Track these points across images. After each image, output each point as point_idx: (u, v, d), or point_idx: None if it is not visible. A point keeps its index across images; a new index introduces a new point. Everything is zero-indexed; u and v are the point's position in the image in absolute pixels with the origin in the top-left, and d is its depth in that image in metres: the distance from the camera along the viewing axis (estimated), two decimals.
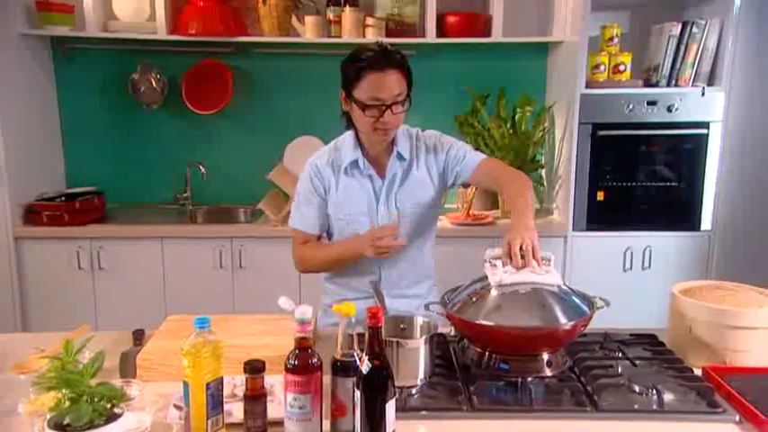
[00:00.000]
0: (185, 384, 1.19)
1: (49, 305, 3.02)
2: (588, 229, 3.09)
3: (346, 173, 1.90)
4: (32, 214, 3.03)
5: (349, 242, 1.90)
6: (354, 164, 1.89)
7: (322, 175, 1.93)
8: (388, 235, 1.74)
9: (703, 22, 2.95)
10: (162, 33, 3.07)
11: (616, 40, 3.07)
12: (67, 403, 1.06)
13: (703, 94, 2.98)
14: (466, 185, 2.20)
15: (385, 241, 1.74)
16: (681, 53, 2.98)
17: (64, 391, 1.08)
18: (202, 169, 3.35)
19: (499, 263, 1.55)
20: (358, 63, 1.73)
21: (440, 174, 1.93)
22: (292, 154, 3.34)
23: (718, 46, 2.99)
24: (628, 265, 3.10)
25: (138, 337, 1.69)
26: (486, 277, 1.54)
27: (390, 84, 1.73)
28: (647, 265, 3.09)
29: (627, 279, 3.10)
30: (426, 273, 2.01)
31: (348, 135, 1.93)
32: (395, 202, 1.90)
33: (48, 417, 1.09)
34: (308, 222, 1.97)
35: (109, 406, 1.10)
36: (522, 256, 1.52)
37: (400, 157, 1.89)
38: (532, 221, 1.63)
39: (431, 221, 1.99)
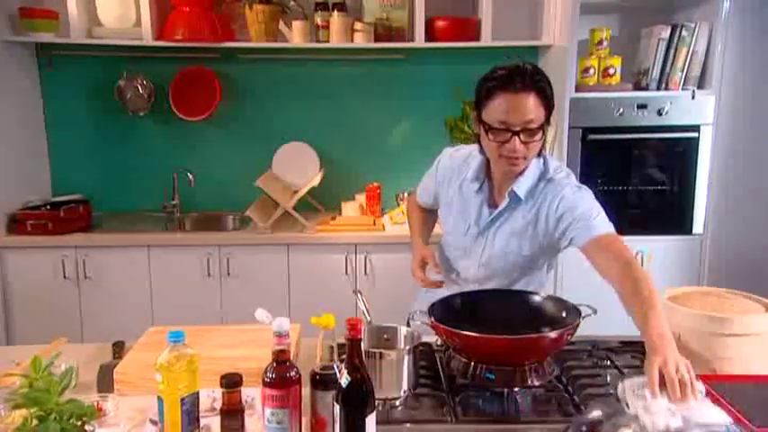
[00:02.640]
0: (160, 400, 1.16)
1: (33, 315, 2.98)
2: None
3: (462, 185, 1.80)
4: (16, 223, 2.98)
5: (414, 239, 1.96)
6: (475, 179, 1.76)
7: (443, 173, 1.86)
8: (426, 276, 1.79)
9: (692, 25, 2.94)
10: (148, 39, 3.04)
11: (605, 43, 3.05)
12: (35, 422, 1.03)
13: (693, 98, 2.97)
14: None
15: (418, 275, 1.80)
16: (670, 56, 2.97)
17: (32, 409, 1.04)
18: (190, 176, 3.32)
19: (648, 394, 1.18)
20: (490, 82, 1.59)
21: (550, 234, 1.69)
22: (280, 160, 3.32)
23: (707, 49, 2.98)
24: None
25: (118, 349, 1.65)
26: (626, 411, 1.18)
27: (521, 107, 1.54)
28: None
29: None
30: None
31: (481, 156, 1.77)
32: (486, 241, 1.77)
33: None
34: (422, 197, 2.01)
35: (79, 423, 1.07)
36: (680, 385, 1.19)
37: (515, 196, 1.70)
38: (663, 330, 1.30)
39: (523, 275, 1.80)
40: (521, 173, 1.69)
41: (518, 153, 1.59)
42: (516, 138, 1.57)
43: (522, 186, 1.69)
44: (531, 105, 1.56)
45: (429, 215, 2.05)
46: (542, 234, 1.71)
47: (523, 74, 1.56)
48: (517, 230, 1.73)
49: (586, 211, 1.63)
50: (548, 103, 1.60)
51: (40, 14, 3.02)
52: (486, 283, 1.80)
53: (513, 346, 1.43)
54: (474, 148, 1.78)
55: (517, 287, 1.80)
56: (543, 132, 1.62)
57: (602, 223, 1.62)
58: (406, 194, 2.10)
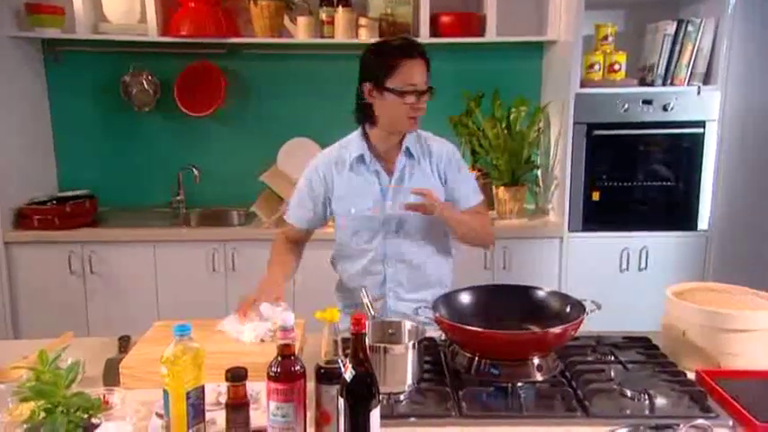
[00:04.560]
0: (165, 393, 1.16)
1: (40, 310, 2.99)
2: (584, 230, 3.06)
3: (351, 169, 1.91)
4: (23, 218, 3.00)
5: (265, 279, 1.94)
6: (360, 159, 1.90)
7: (324, 173, 1.93)
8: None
9: (698, 21, 2.93)
10: (153, 35, 3.05)
11: (611, 38, 3.04)
12: (42, 414, 1.04)
13: (699, 93, 2.96)
14: None
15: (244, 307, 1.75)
16: (676, 52, 2.96)
17: (39, 402, 1.05)
18: (195, 172, 3.33)
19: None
20: (392, 53, 1.79)
21: (444, 182, 1.95)
22: (286, 156, 3.32)
23: (713, 45, 2.96)
24: (624, 266, 3.07)
25: (124, 343, 1.66)
26: None
27: (421, 71, 1.80)
28: (643, 265, 3.07)
29: (623, 280, 3.08)
30: (436, 280, 1.97)
31: (355, 133, 1.95)
32: (402, 200, 1.88)
33: (24, 428, 1.07)
34: (297, 217, 2.01)
35: (86, 416, 1.07)
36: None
37: (409, 153, 1.91)
38: (456, 215, 1.88)
39: (443, 228, 1.96)
40: (403, 137, 1.91)
41: (422, 111, 1.83)
42: (422, 97, 1.81)
43: (410, 143, 1.91)
44: (425, 69, 1.82)
45: (297, 249, 2.09)
46: (442, 184, 1.94)
47: (414, 44, 1.83)
48: (423, 182, 1.89)
49: (468, 177, 2.01)
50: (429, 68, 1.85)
51: (46, 10, 3.02)
52: (399, 256, 1.92)
53: (517, 342, 1.43)
54: (339, 141, 1.97)
55: (427, 263, 1.95)
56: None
57: (478, 193, 2.00)
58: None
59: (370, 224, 1.91)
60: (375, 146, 1.91)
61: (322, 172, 1.94)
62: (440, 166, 1.95)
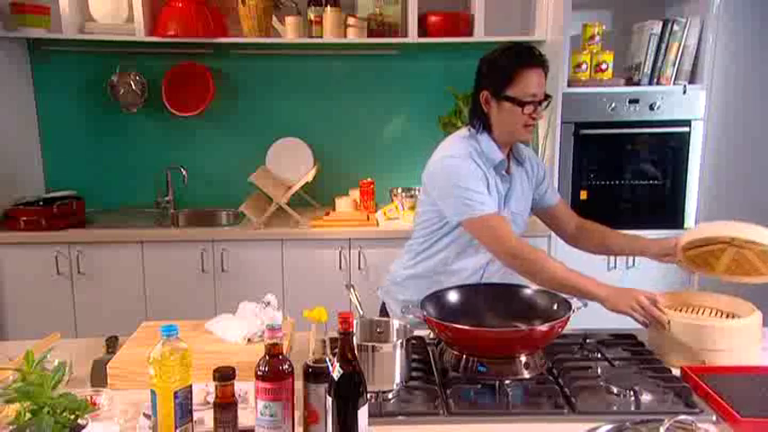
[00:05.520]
0: (153, 393, 1.16)
1: (27, 312, 2.97)
2: None
3: (491, 169, 1.84)
4: (9, 220, 2.98)
5: (601, 285, 1.69)
6: (501, 163, 1.84)
7: (480, 163, 1.81)
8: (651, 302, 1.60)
9: (684, 20, 2.96)
10: (140, 35, 3.03)
11: (598, 38, 3.06)
12: (28, 415, 1.04)
13: (685, 92, 2.98)
14: (538, 210, 2.07)
15: (647, 303, 1.59)
16: (662, 51, 2.98)
17: (25, 403, 1.05)
18: (183, 172, 3.31)
19: None
20: (513, 61, 1.75)
21: (535, 185, 1.98)
22: (275, 156, 3.32)
23: (698, 44, 2.99)
24: (612, 265, 3.09)
25: (112, 344, 1.66)
26: None
27: (542, 80, 1.77)
28: (631, 264, 3.09)
29: (611, 278, 3.05)
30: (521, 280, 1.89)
31: (483, 135, 1.84)
32: (512, 206, 1.88)
33: (9, 429, 1.06)
34: (493, 206, 1.79)
35: (73, 417, 1.07)
36: None
37: (518, 161, 1.92)
38: None
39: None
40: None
41: (537, 120, 1.80)
42: (540, 106, 1.77)
43: (519, 151, 1.93)
44: (544, 78, 1.78)
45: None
46: (532, 190, 1.97)
47: (535, 52, 1.77)
48: (526, 189, 1.94)
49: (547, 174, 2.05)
50: None
51: (31, 10, 3.00)
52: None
53: (504, 340, 1.44)
54: (454, 141, 1.86)
55: None
56: None
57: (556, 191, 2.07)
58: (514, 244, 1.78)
59: None
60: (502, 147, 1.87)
61: (479, 160, 1.80)
62: (534, 171, 1.97)
